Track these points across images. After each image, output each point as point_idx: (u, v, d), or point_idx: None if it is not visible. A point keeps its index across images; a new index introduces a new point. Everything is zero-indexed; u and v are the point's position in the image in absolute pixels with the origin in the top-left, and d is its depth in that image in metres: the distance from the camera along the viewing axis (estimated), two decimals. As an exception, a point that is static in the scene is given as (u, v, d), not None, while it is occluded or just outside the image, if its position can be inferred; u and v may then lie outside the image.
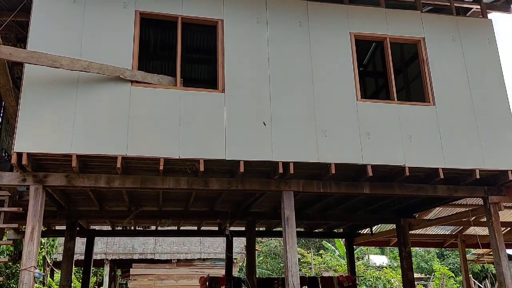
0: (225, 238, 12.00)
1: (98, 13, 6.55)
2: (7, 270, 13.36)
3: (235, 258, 17.67)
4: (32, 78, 6.05)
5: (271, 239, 29.84)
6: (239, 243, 18.24)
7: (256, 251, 12.71)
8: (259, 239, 26.12)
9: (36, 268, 5.76)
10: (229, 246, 12.02)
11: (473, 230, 12.31)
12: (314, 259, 26.46)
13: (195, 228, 12.49)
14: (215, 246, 18.69)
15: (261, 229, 12.88)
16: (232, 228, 11.04)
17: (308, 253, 27.45)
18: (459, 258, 16.08)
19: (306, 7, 7.36)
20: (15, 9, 6.90)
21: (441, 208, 11.19)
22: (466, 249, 13.72)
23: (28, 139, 5.84)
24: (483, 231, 11.82)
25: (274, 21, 7.15)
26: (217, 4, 7.02)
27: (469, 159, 7.16)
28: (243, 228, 11.39)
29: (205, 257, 18.58)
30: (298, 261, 6.84)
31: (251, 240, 10.36)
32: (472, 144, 7.24)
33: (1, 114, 8.05)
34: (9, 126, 7.97)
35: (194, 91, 6.66)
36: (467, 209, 9.98)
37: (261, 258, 29.46)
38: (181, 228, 12.32)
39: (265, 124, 6.58)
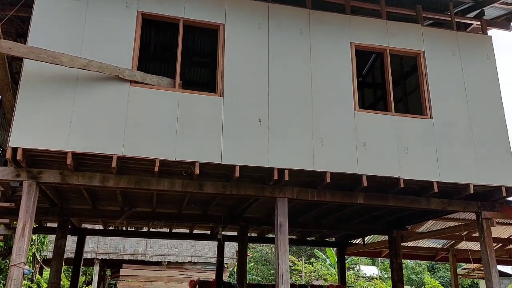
0: (217, 242, 11.95)
1: (100, 12, 6.55)
2: (-5, 266, 13.24)
3: (226, 263, 17.59)
4: (31, 73, 6.03)
5: (263, 245, 29.78)
6: (231, 248, 18.17)
7: (247, 257, 12.65)
8: (250, 245, 26.05)
9: (26, 265, 5.71)
10: (221, 251, 11.97)
11: (464, 245, 12.34)
12: (305, 267, 26.40)
13: (188, 231, 12.44)
14: (206, 250, 18.62)
15: (253, 235, 12.85)
16: (224, 233, 10.99)
17: (299, 261, 27.39)
18: (449, 272, 16.10)
19: (308, 15, 7.39)
20: (17, 3, 6.89)
21: (434, 221, 11.22)
22: (457, 263, 13.74)
23: (24, 134, 5.81)
24: (474, 246, 11.84)
25: (276, 28, 7.17)
26: (219, 9, 7.05)
27: (464, 174, 7.19)
28: (236, 233, 11.35)
29: (196, 261, 18.50)
30: (289, 269, 6.82)
31: (243, 246, 10.32)
32: (468, 159, 7.28)
33: (-2, 108, 8.01)
34: (5, 121, 7.92)
35: (193, 93, 6.65)
36: (460, 223, 10.01)
37: (252, 264, 29.36)
38: (173, 230, 12.27)
39: (260, 121, 6.59)
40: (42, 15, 6.31)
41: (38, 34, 6.18)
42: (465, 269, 16.26)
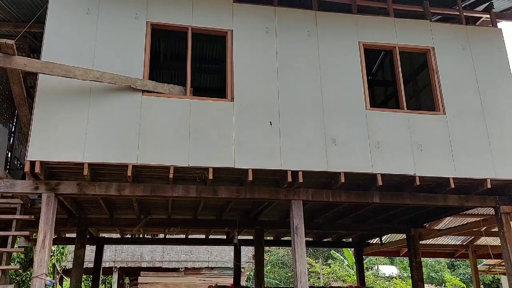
0: (233, 246, 11.98)
1: (110, 24, 6.66)
2: (17, 278, 13.46)
3: (243, 267, 17.57)
4: (46, 88, 6.16)
5: (279, 248, 29.70)
6: (247, 252, 18.16)
7: (264, 260, 12.67)
8: (266, 248, 26.00)
9: (47, 276, 5.80)
10: (237, 255, 12.00)
11: (484, 240, 12.17)
12: (322, 269, 26.27)
13: (203, 236, 12.49)
14: (223, 254, 18.64)
15: (269, 238, 12.85)
16: (240, 237, 11.02)
17: (316, 263, 27.28)
18: (470, 269, 15.87)
19: (315, 16, 7.41)
20: (30, 20, 7.05)
21: (452, 217, 11.09)
22: (477, 259, 13.53)
23: (41, 147, 5.93)
24: (494, 241, 11.67)
25: (283, 31, 7.20)
26: (226, 15, 7.11)
27: (480, 169, 7.10)
28: (251, 237, 11.36)
29: (212, 266, 18.52)
30: (307, 271, 6.81)
31: (259, 249, 10.33)
32: (483, 153, 7.19)
33: (15, 123, 8.17)
34: (22, 135, 8.08)
35: (204, 100, 6.71)
36: (478, 219, 9.87)
37: (269, 267, 29.31)
38: (189, 236, 12.34)
39: (271, 124, 6.62)
40: (54, 30, 6.44)
41: (51, 49, 6.31)
42: (486, 265, 15.99)
